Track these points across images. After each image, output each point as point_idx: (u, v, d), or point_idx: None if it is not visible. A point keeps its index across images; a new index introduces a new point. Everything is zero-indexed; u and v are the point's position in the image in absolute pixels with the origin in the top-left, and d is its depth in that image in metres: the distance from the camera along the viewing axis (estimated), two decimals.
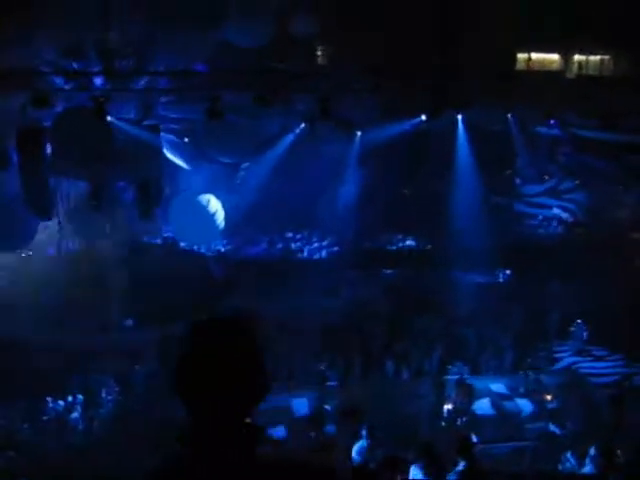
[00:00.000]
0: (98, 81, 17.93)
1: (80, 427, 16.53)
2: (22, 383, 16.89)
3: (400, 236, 23.95)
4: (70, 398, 17.05)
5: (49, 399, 16.72)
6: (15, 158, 16.37)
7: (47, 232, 19.45)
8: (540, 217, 24.85)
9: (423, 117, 18.17)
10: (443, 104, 16.79)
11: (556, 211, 24.68)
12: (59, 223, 18.98)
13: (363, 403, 15.87)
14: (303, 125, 18.76)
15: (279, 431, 15.58)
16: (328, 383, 17.29)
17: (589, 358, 19.21)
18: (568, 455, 9.36)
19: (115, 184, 18.42)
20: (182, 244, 21.27)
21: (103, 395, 17.33)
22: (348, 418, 14.89)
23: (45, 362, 17.70)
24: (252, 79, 16.24)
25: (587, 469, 8.67)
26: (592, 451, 9.64)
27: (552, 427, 15.45)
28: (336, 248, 22.56)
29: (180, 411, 2.81)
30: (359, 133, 19.66)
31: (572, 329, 19.75)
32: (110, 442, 15.91)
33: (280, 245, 23.01)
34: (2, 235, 17.76)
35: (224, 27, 18.20)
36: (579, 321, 19.59)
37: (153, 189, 18.03)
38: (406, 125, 18.71)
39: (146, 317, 19.23)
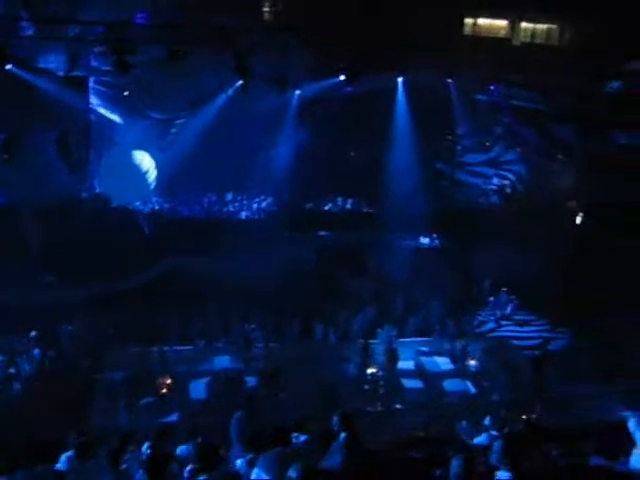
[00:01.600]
0: (27, 28, 17.46)
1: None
2: None
3: (340, 199, 24.08)
4: None
5: None
6: None
7: None
8: (480, 186, 25.25)
9: (342, 77, 18.10)
10: (363, 67, 16.83)
11: (495, 181, 25.10)
12: None
13: (287, 365, 16.19)
14: (240, 83, 18.53)
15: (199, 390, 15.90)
16: (255, 344, 17.44)
17: (514, 322, 19.80)
18: (463, 424, 9.65)
19: (38, 136, 17.96)
20: (114, 201, 20.89)
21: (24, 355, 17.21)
22: (269, 379, 15.16)
23: None
24: (168, 34, 15.98)
25: (480, 439, 8.97)
26: (487, 421, 9.99)
27: (471, 387, 16.02)
28: (274, 209, 22.53)
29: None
30: (297, 92, 19.55)
31: (499, 295, 20.30)
32: (29, 402, 15.84)
33: (217, 205, 22.87)
34: None
35: None
36: (505, 289, 20.15)
37: (79, 142, 17.71)
38: (326, 85, 18.73)
39: (72, 275, 18.95)
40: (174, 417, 14.84)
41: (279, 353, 17.38)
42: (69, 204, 19.30)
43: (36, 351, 17.19)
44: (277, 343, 17.83)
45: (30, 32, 17.03)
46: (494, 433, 9.11)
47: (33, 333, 17.28)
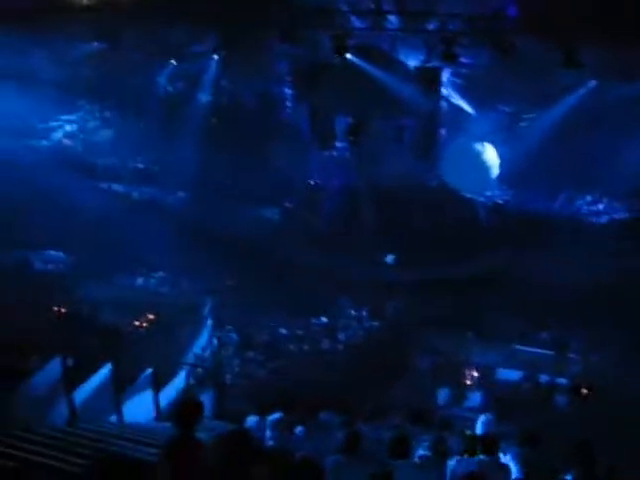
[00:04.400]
0: (392, 21, 19.01)
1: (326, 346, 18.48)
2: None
3: None
4: (324, 319, 19.19)
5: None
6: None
7: None
8: None
9: None
10: None
11: None
12: None
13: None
14: (594, 82, 17.85)
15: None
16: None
17: None
18: None
19: (384, 122, 19.61)
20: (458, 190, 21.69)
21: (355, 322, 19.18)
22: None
23: (315, 283, 20.11)
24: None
25: None
26: None
27: None
28: (623, 214, 21.05)
29: None
30: None
31: None
32: (350, 366, 17.62)
33: (568, 204, 22.17)
34: None
35: None
36: None
37: (425, 130, 18.83)
38: None
39: (409, 257, 20.40)
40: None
41: (597, 368, 16.52)
42: (413, 189, 20.72)
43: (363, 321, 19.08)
44: (597, 355, 16.96)
45: (393, 25, 18.54)
46: None
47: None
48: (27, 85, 22.30)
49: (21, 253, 21.38)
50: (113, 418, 11.23)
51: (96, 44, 20.42)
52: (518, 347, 17.99)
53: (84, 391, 10.43)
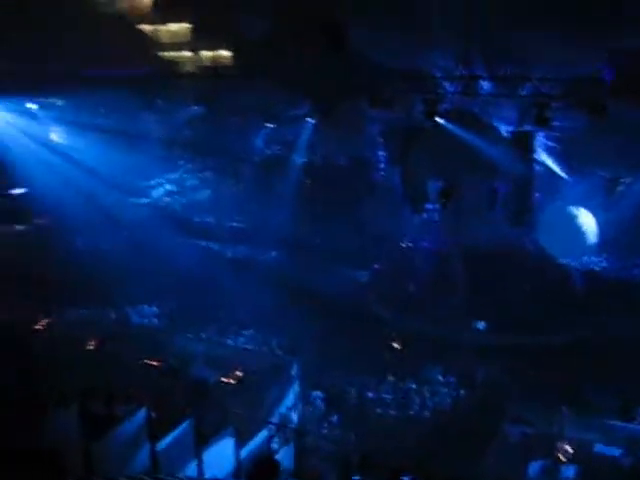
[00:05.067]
0: (484, 85, 19.18)
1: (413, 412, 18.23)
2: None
3: None
4: (412, 384, 18.97)
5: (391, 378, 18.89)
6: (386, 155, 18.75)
7: None
8: None
9: None
10: None
11: None
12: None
13: None
14: None
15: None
16: None
17: None
18: None
19: (476, 185, 19.59)
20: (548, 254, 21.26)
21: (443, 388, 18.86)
22: None
23: (403, 346, 20.05)
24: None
25: None
26: None
27: None
28: None
29: None
30: None
31: None
32: (436, 433, 17.29)
33: None
34: None
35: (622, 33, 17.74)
36: None
37: (519, 195, 18.71)
38: None
39: (500, 322, 20.05)
40: None
41: None
42: (506, 254, 20.46)
43: (451, 387, 18.74)
44: None
45: (485, 89, 18.68)
46: None
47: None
48: (133, 144, 23.67)
49: (121, 308, 22.29)
50: (193, 471, 11.40)
51: (197, 108, 21.56)
52: (617, 423, 17.13)
53: (166, 442, 10.67)
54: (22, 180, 23.40)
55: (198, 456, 11.35)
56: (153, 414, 10.65)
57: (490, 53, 18.72)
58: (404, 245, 22.61)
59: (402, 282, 21.56)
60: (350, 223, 22.69)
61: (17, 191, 23.92)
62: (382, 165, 22.45)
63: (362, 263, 23.12)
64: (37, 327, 20.25)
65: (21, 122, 23.04)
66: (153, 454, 10.35)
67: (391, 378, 19.03)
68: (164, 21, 24.98)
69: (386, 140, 21.45)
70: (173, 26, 25.63)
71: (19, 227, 24.82)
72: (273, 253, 24.41)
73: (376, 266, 22.93)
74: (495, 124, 18.73)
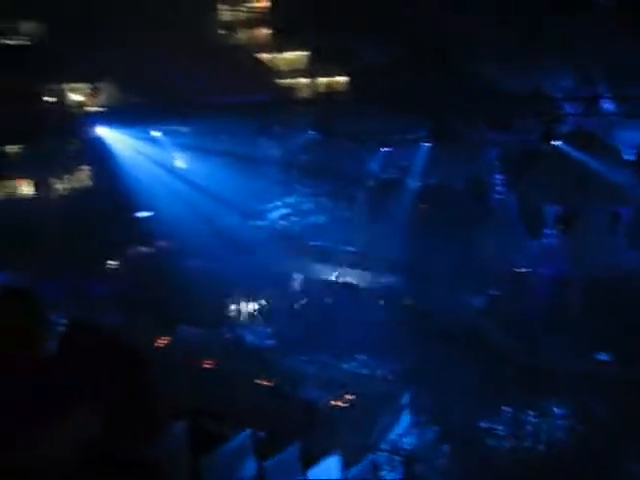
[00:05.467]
0: (606, 105, 18.51)
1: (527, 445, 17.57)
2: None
3: None
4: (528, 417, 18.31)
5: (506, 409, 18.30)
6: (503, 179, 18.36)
7: None
8: None
9: None
10: None
11: None
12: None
13: None
14: None
15: None
16: None
17: None
18: None
19: (597, 210, 18.83)
20: None
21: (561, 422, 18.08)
22: None
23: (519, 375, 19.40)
24: None
25: None
26: None
27: None
28: None
29: None
30: None
31: None
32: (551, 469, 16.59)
33: None
34: None
35: None
36: None
37: None
38: None
39: (623, 354, 19.04)
40: None
41: None
42: (628, 280, 19.46)
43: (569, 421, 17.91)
44: None
45: (607, 110, 18.02)
46: None
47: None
48: (251, 169, 24.39)
49: (236, 328, 22.83)
50: None
51: (313, 133, 21.94)
52: None
53: (273, 462, 10.77)
54: (147, 204, 24.55)
55: (304, 477, 11.40)
56: (262, 433, 10.80)
57: (614, 72, 18.10)
58: (521, 271, 21.95)
59: (519, 309, 20.88)
60: (466, 247, 22.29)
61: (142, 214, 25.07)
62: (499, 189, 21.98)
63: (477, 288, 22.61)
64: (157, 344, 21.05)
65: (146, 148, 24.27)
66: (260, 473, 10.48)
67: (506, 409, 18.39)
68: (281, 49, 25.78)
69: (504, 163, 21.01)
70: (290, 54, 26.37)
71: (143, 249, 25.97)
72: (388, 278, 24.29)
73: (492, 292, 22.35)
74: (618, 146, 17.96)
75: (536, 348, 19.89)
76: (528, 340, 20.20)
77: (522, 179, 20.12)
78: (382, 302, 23.10)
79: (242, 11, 27.84)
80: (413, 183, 23.64)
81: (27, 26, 24.14)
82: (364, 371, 21.34)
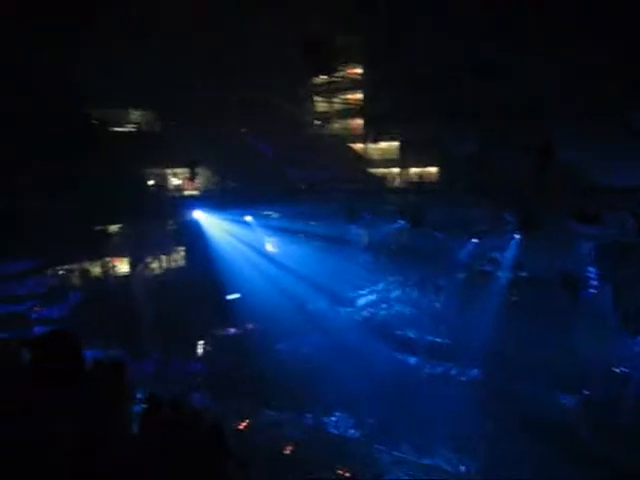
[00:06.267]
0: None
1: None
2: None
3: None
4: None
5: None
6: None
7: None
8: None
9: None
10: None
11: None
12: None
13: None
14: None
15: None
16: None
17: None
18: None
19: None
20: None
21: None
22: None
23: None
24: None
25: None
26: None
27: None
28: None
29: None
30: None
31: None
32: None
33: None
34: None
35: None
36: None
37: None
38: None
39: None
40: None
41: None
42: None
43: None
44: None
45: None
46: None
47: None
48: (341, 254, 24.72)
49: (318, 414, 22.65)
50: None
51: (403, 222, 22.15)
52: None
53: None
54: (238, 286, 25.15)
55: None
56: None
57: None
58: (618, 371, 20.93)
59: (614, 411, 19.81)
60: (558, 343, 21.55)
61: (233, 296, 25.66)
62: (593, 282, 21.32)
63: (570, 387, 21.68)
64: (240, 427, 21.12)
65: (238, 231, 25.06)
66: None
67: None
68: (375, 140, 26.40)
69: (597, 256, 20.47)
70: (383, 144, 26.96)
71: (233, 330, 26.42)
72: (474, 371, 23.72)
73: (586, 392, 21.35)
74: None
75: (633, 453, 18.71)
76: (624, 444, 19.06)
77: (617, 273, 19.49)
78: (467, 396, 22.46)
79: (337, 103, 28.83)
80: (503, 274, 23.29)
81: (135, 115, 25.81)
82: (446, 467, 20.63)
